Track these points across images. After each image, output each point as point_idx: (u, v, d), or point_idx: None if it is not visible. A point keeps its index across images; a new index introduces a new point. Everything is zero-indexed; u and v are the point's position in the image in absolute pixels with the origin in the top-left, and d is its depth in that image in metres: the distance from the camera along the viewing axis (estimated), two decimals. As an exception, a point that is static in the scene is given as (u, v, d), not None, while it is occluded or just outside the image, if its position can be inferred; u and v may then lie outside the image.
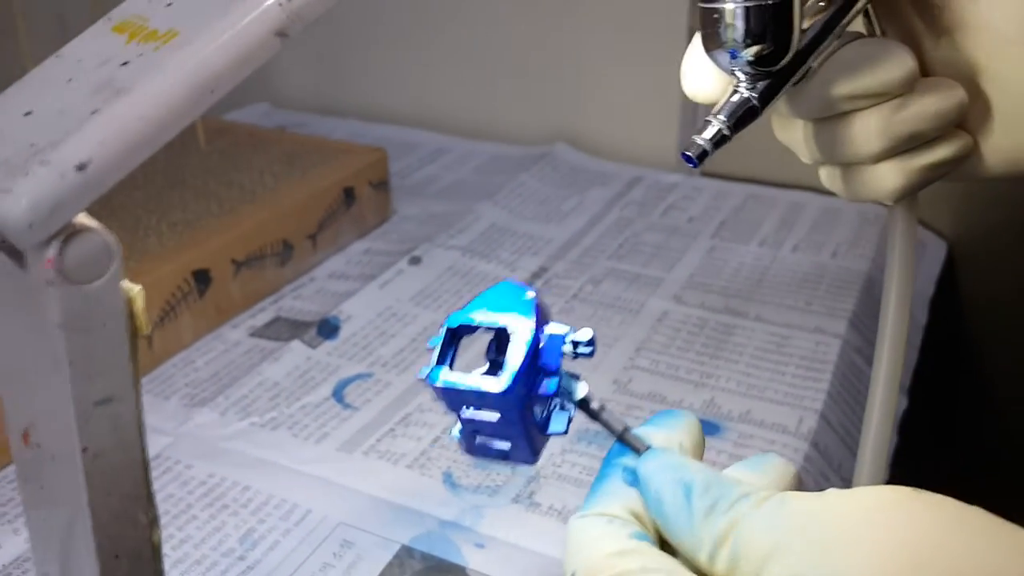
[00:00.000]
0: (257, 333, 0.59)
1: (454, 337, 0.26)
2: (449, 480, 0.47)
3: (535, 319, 0.25)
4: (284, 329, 0.60)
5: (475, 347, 0.27)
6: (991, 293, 0.77)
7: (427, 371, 0.25)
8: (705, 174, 0.83)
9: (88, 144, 0.20)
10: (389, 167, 0.73)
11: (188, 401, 0.53)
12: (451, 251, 0.69)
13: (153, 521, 0.25)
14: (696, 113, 0.81)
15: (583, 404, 0.26)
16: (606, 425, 0.26)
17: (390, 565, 0.42)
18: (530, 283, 0.65)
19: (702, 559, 0.23)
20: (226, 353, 0.57)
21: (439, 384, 0.25)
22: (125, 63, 0.22)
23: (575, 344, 0.26)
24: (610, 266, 0.67)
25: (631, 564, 0.22)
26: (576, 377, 0.27)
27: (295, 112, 0.96)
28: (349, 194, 0.69)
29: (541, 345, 0.25)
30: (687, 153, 0.29)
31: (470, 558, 0.42)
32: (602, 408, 0.26)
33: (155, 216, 0.61)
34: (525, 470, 0.47)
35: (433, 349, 0.26)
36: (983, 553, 0.20)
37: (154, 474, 0.39)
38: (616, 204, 0.77)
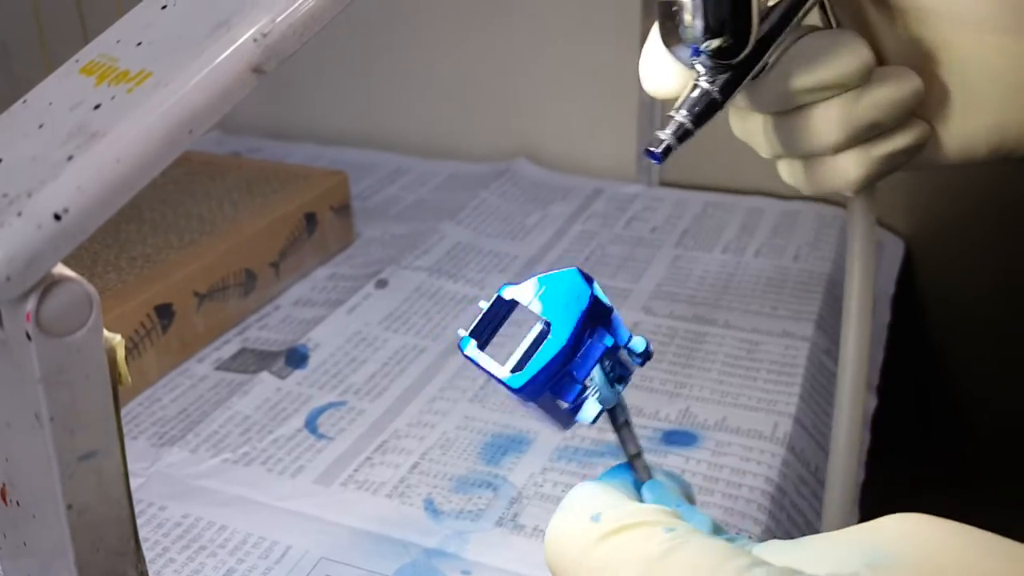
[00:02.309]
0: (224, 366, 0.58)
1: (500, 310, 0.26)
2: (431, 507, 0.46)
3: (576, 326, 0.25)
4: (251, 361, 0.59)
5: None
6: (950, 287, 0.78)
7: (464, 332, 0.25)
8: (664, 184, 0.83)
9: (65, 191, 0.20)
10: (349, 190, 0.72)
11: (157, 440, 0.52)
12: (417, 272, 0.68)
13: (142, 575, 0.24)
14: (653, 124, 0.82)
15: (612, 412, 0.26)
16: (623, 442, 0.26)
17: (377, 598, 0.41)
18: (499, 301, 0.65)
19: None
20: (193, 388, 0.56)
21: (465, 353, 0.25)
22: (98, 106, 0.21)
23: (630, 351, 0.26)
24: (577, 280, 0.67)
25: (650, 515, 0.22)
26: (623, 382, 0.26)
27: (247, 137, 0.94)
28: (311, 219, 0.68)
29: (580, 351, 0.25)
30: (651, 149, 0.29)
31: (458, 585, 0.41)
32: (626, 423, 0.26)
33: (113, 251, 0.60)
34: (506, 491, 0.47)
35: (480, 312, 0.26)
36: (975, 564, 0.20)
37: (128, 519, 0.38)
38: (579, 217, 0.77)
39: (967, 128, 0.31)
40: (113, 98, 0.21)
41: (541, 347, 0.24)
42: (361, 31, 0.90)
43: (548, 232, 0.75)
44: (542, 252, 0.72)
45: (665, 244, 0.72)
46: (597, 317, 0.25)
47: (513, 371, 0.25)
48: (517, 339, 0.26)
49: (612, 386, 0.26)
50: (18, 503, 0.25)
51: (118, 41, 0.23)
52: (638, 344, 0.26)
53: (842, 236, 0.72)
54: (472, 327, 0.26)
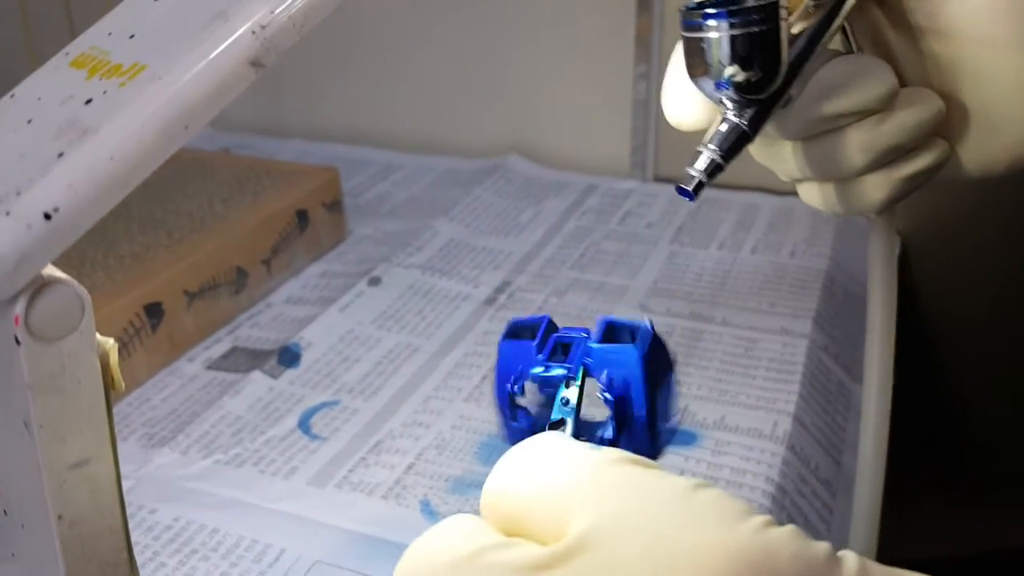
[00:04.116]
0: (215, 365, 0.57)
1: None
2: (427, 508, 0.46)
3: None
4: (243, 360, 0.58)
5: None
6: (944, 284, 0.78)
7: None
8: (659, 179, 0.83)
9: (56, 190, 0.19)
10: (341, 187, 0.71)
11: (147, 441, 0.51)
12: (410, 270, 0.67)
13: (136, 586, 0.24)
14: (647, 118, 0.81)
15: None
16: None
17: (373, 602, 0.40)
18: (494, 298, 0.64)
19: None
20: (183, 388, 0.55)
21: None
22: (89, 100, 0.20)
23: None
24: (573, 276, 0.67)
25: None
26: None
27: (238, 134, 0.93)
28: (302, 216, 0.67)
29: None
30: (683, 187, 0.29)
31: (456, 589, 0.41)
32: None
33: (101, 250, 0.59)
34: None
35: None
36: None
37: (119, 523, 0.37)
38: (573, 214, 0.77)
39: (987, 146, 0.31)
40: (105, 92, 0.20)
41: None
42: (354, 27, 0.89)
43: (542, 228, 0.74)
44: (536, 249, 0.71)
45: (661, 240, 0.72)
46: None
47: None
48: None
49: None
50: (6, 512, 0.24)
51: (110, 33, 0.22)
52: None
53: (838, 231, 0.72)
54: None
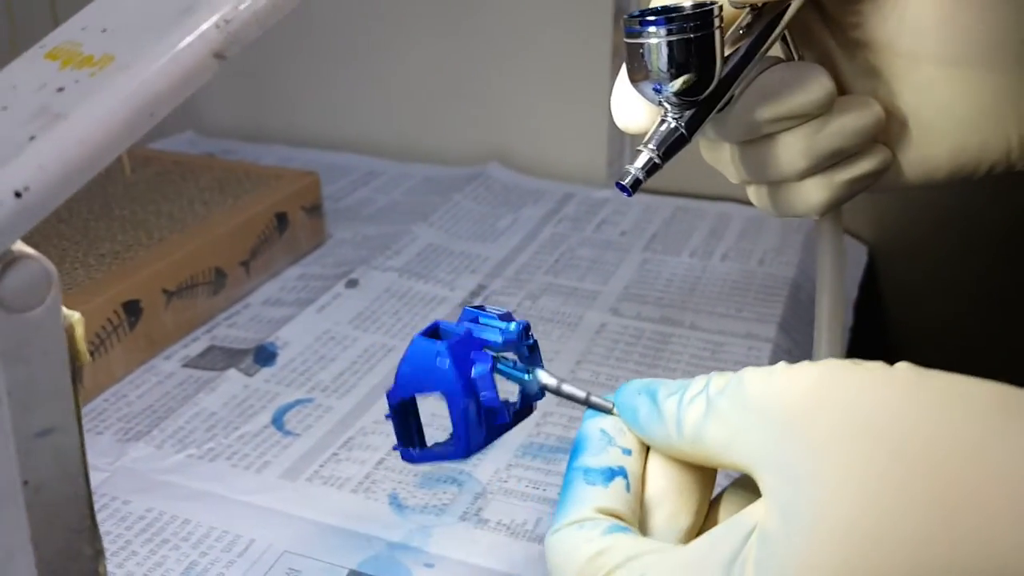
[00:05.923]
0: (191, 363, 0.58)
1: (408, 406, 0.27)
2: (395, 501, 0.47)
3: (457, 384, 0.26)
4: (219, 358, 0.59)
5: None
6: (911, 293, 0.80)
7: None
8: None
9: (26, 170, 0.20)
10: (321, 191, 0.72)
11: (122, 436, 0.52)
12: (388, 273, 0.69)
13: (99, 553, 0.25)
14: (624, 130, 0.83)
15: (544, 390, 0.27)
16: (571, 397, 0.28)
17: (339, 590, 0.41)
18: (469, 301, 0.65)
19: (676, 444, 0.24)
20: (160, 385, 0.56)
21: (410, 462, 0.28)
22: (61, 89, 0.21)
23: (513, 344, 0.27)
24: (547, 281, 0.68)
25: (614, 559, 0.23)
26: (529, 369, 0.28)
27: (222, 139, 0.94)
28: (282, 219, 0.68)
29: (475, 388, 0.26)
30: (621, 183, 0.30)
31: (421, 578, 0.42)
32: (559, 387, 0.28)
33: (82, 248, 0.60)
34: (471, 487, 0.47)
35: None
36: (938, 421, 0.21)
37: (91, 511, 0.38)
38: (550, 221, 0.78)
39: (926, 153, 0.32)
40: (77, 81, 0.22)
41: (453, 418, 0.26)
42: (338, 35, 0.90)
43: (519, 235, 0.76)
44: (513, 254, 0.72)
45: (634, 247, 0.73)
46: (463, 354, 0.26)
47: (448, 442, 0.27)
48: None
49: (527, 375, 0.27)
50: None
51: (83, 28, 0.24)
52: (511, 332, 0.27)
53: (807, 242, 0.74)
54: (398, 439, 0.28)
